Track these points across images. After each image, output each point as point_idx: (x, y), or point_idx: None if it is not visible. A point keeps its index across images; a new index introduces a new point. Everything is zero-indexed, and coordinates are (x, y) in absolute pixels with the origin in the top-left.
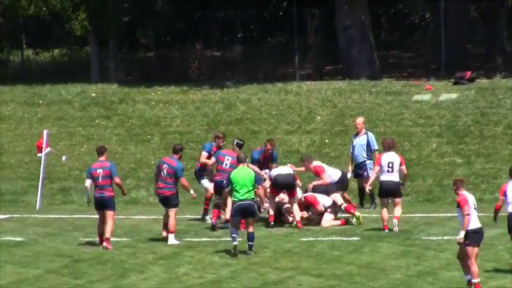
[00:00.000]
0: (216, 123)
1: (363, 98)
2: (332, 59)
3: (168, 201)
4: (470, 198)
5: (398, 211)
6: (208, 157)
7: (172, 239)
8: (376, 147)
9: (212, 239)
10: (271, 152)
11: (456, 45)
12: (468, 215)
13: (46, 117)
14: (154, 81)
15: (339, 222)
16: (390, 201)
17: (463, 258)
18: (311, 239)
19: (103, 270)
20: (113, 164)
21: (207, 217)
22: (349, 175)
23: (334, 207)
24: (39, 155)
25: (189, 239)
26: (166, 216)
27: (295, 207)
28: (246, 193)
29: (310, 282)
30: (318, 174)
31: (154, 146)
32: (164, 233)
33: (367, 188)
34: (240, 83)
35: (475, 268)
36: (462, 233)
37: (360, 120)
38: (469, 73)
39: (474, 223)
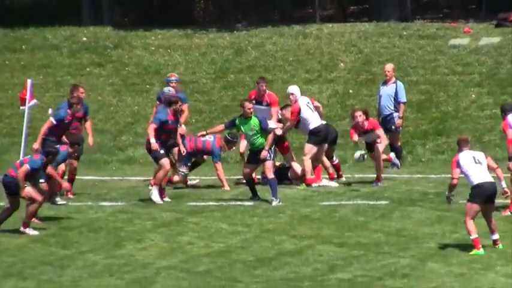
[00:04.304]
0: (225, 71)
1: (393, 43)
2: None
3: None
4: (467, 157)
5: None
6: None
7: None
8: (404, 100)
9: (220, 203)
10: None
11: None
12: (453, 178)
13: (30, 65)
14: (155, 24)
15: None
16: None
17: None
18: (333, 203)
19: (95, 239)
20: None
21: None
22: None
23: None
24: (22, 108)
25: (194, 203)
26: None
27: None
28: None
29: (331, 252)
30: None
31: (154, 97)
32: None
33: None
34: (252, 26)
35: (468, 226)
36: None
37: (389, 67)
38: None
39: (476, 178)
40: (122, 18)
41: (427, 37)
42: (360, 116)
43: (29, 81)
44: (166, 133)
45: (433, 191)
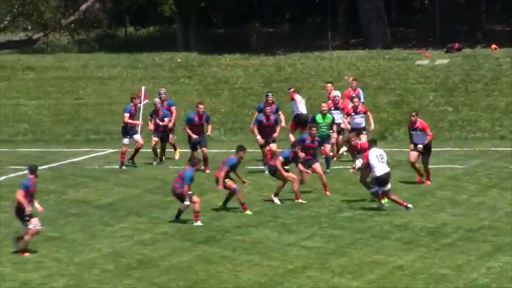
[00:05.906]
0: (270, 81)
1: (378, 63)
2: (356, 34)
3: None
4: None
5: None
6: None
7: None
8: (363, 100)
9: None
10: None
11: (448, 24)
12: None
13: (144, 77)
14: (224, 51)
15: None
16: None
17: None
18: (340, 167)
19: None
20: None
21: (123, 167)
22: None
23: None
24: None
25: (250, 167)
26: None
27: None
28: None
29: (339, 199)
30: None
31: (224, 98)
32: None
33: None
34: (287, 52)
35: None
36: None
37: (353, 81)
38: (457, 44)
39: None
40: (203, 47)
41: (401, 59)
42: (356, 102)
43: (143, 88)
44: (264, 128)
45: (404, 159)
